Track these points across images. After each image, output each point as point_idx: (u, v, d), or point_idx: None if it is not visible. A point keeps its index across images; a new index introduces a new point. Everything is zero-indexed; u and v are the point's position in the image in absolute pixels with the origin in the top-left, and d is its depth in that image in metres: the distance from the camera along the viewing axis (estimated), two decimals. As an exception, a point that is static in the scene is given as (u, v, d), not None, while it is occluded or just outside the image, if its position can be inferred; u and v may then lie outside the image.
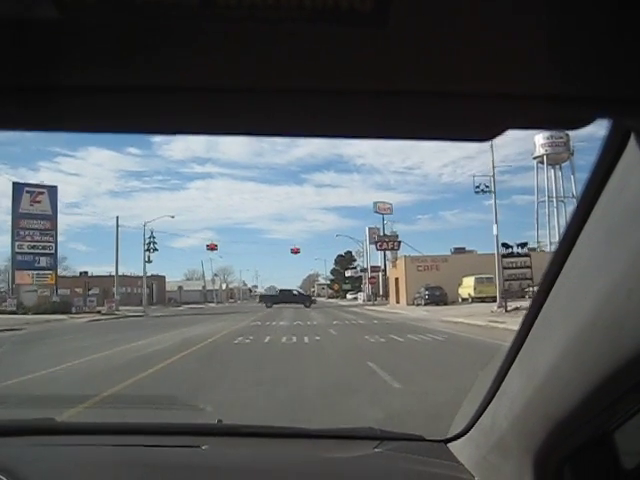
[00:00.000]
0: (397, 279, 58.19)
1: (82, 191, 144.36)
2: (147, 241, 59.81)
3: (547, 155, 68.94)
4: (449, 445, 1.64)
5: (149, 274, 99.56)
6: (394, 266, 60.40)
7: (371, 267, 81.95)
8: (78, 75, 0.46)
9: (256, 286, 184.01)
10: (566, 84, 0.50)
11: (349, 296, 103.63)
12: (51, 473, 1.62)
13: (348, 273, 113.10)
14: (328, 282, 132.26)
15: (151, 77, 0.47)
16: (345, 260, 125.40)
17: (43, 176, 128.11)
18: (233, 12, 0.43)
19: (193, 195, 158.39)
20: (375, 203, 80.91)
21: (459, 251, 56.77)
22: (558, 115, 0.54)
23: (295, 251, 71.75)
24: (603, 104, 0.53)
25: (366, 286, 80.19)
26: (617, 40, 0.48)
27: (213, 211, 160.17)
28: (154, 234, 60.34)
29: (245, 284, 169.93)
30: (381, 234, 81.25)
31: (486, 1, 0.46)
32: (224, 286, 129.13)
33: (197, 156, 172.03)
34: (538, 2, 0.46)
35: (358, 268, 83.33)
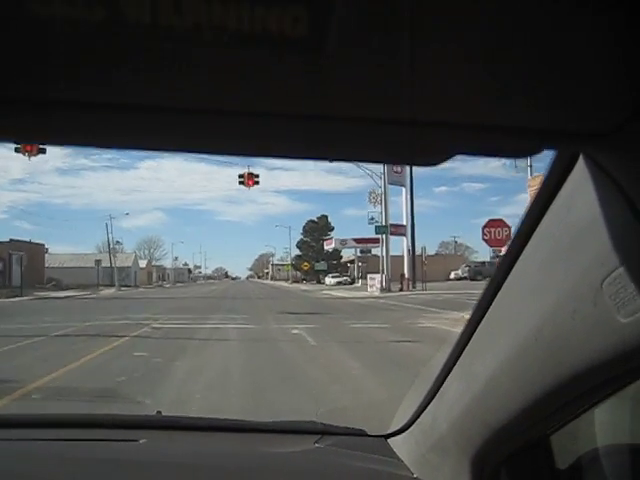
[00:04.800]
0: None
1: (27, 167, 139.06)
2: None
3: None
4: (389, 440, 1.64)
5: (8, 239, 65.23)
6: None
7: (394, 225, 44.11)
8: (63, 89, 0.46)
9: (199, 266, 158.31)
10: (513, 115, 0.51)
11: (330, 280, 66.23)
12: None
13: (328, 246, 75.63)
14: (291, 261, 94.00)
15: (105, 95, 0.46)
16: (319, 228, 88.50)
17: None
18: (177, 34, 0.43)
19: (143, 175, 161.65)
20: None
21: None
22: (506, 144, 0.54)
23: (249, 183, 33.02)
24: (550, 136, 0.54)
25: (384, 261, 41.95)
26: (563, 74, 0.49)
27: (163, 191, 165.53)
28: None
29: (186, 264, 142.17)
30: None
31: (432, 29, 0.45)
32: (143, 263, 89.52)
33: None
34: (485, 33, 0.46)
35: (378, 218, 44.68)
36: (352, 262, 75.55)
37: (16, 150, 30.55)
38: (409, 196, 45.51)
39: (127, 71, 0.45)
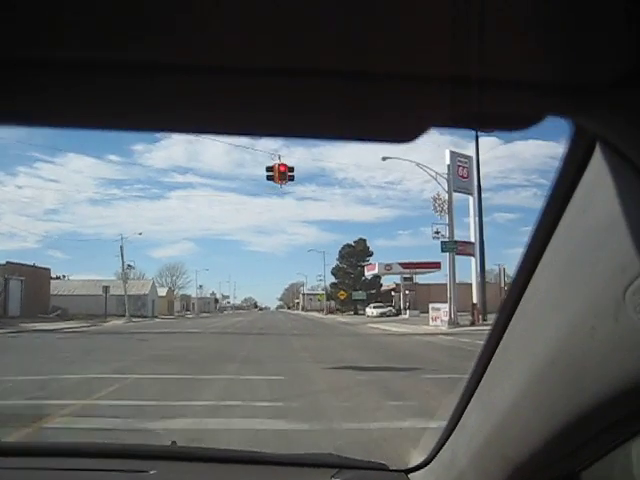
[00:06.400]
0: None
1: (61, 198, 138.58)
2: None
3: None
4: (410, 476, 1.57)
5: (13, 262, 56.83)
6: None
7: (461, 242, 34.97)
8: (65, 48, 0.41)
9: (227, 296, 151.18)
10: (508, 68, 0.42)
11: (372, 311, 57.28)
12: None
13: (370, 271, 66.67)
14: (325, 290, 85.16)
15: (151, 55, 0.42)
16: (356, 252, 79.67)
17: (21, 181, 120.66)
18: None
19: (173, 205, 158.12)
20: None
21: None
22: (491, 108, 0.46)
23: (281, 170, 24.16)
24: (549, 95, 0.45)
25: (451, 287, 33.03)
26: (565, 19, 0.41)
27: (193, 222, 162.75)
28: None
29: (213, 293, 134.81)
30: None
31: None
32: (163, 291, 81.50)
33: (178, 165, 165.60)
34: None
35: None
36: (394, 290, 66.54)
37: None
38: (477, 207, 36.47)
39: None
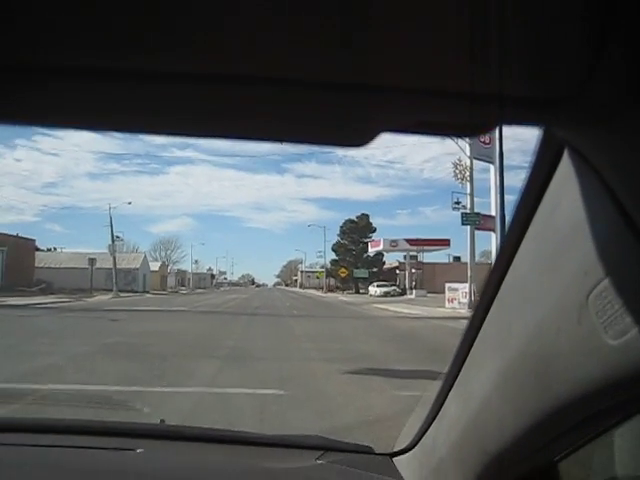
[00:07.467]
0: None
1: (60, 171, 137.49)
2: None
3: None
4: (395, 459, 1.59)
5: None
6: None
7: (483, 215, 31.17)
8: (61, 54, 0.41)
9: (224, 272, 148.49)
10: (463, 79, 0.43)
11: (375, 290, 53.89)
12: None
13: (374, 248, 63.11)
14: (325, 266, 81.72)
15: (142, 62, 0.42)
16: (359, 229, 76.03)
17: (20, 154, 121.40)
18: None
19: (172, 180, 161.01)
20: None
21: None
22: (459, 115, 0.46)
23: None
24: (514, 103, 0.46)
25: (469, 264, 29.35)
26: (516, 32, 0.42)
27: (192, 197, 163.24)
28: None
29: (210, 269, 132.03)
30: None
31: None
32: (155, 266, 77.94)
33: (178, 140, 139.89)
34: None
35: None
36: (398, 269, 63.09)
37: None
38: (499, 177, 32.71)
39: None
